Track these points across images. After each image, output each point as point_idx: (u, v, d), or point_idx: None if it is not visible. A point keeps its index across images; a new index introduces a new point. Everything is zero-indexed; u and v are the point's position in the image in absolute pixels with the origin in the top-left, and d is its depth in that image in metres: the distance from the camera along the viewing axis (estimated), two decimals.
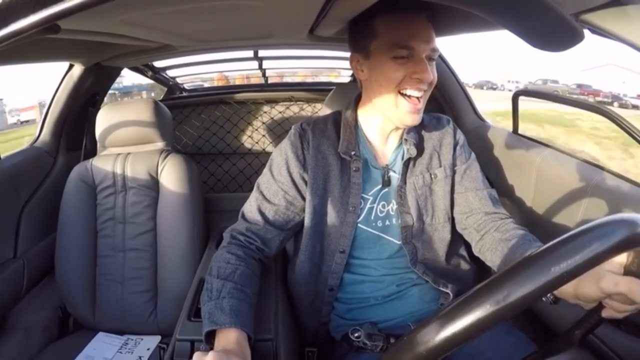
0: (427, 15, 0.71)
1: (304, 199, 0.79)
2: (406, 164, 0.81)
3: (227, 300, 0.65)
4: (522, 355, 0.52)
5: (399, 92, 0.72)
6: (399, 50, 0.69)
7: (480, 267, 0.86)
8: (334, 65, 2.00)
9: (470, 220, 0.82)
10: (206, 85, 2.73)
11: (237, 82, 2.54)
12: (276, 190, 0.79)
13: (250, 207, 0.80)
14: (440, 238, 0.83)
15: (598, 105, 0.90)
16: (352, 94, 0.97)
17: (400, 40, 0.69)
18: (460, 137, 0.87)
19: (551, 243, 0.35)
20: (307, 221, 0.79)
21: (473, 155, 0.87)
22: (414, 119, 0.73)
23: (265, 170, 0.82)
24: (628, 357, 0.66)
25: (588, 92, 17.30)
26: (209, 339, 0.62)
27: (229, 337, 0.60)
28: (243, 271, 0.71)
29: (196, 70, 2.03)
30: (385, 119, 0.78)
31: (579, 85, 18.90)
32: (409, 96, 0.71)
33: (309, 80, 3.20)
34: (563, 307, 0.79)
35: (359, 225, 0.79)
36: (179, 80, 2.01)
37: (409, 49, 0.69)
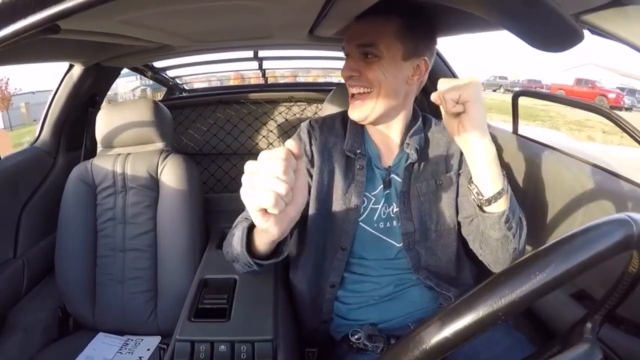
0: (397, 12, 0.71)
1: (310, 193, 0.80)
2: (409, 169, 0.81)
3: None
4: (519, 356, 0.52)
5: (349, 89, 0.77)
6: (343, 50, 0.78)
7: (482, 271, 0.86)
8: (333, 66, 2.00)
9: (473, 225, 0.80)
10: (218, 84, 2.76)
11: (253, 82, 2.53)
12: None
13: None
14: (445, 244, 0.82)
15: (597, 106, 0.90)
16: None
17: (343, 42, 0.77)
18: None
19: (551, 242, 0.35)
20: (311, 217, 0.80)
21: None
22: (352, 112, 0.78)
23: None
24: (628, 357, 0.66)
25: (535, 86, 20.15)
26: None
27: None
28: None
29: (196, 70, 2.03)
30: None
31: (529, 80, 22.07)
32: (351, 93, 0.77)
33: (321, 80, 3.23)
34: (563, 307, 0.80)
35: (360, 224, 0.79)
36: (188, 80, 2.00)
37: (345, 50, 0.77)
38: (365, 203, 0.80)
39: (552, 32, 0.52)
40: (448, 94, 0.62)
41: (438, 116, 0.93)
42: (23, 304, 1.08)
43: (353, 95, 0.76)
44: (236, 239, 0.67)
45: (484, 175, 0.66)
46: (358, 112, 0.76)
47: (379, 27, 0.72)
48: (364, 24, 0.73)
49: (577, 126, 10.98)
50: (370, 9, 0.68)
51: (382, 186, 0.80)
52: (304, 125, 0.84)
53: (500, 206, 0.67)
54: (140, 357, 1.02)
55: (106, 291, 1.11)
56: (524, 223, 0.72)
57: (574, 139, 9.81)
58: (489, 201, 0.67)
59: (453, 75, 1.34)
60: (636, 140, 0.79)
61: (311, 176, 0.80)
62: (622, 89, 16.76)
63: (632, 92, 16.80)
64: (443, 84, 0.64)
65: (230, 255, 0.72)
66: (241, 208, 0.84)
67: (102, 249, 1.13)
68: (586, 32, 0.51)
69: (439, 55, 1.29)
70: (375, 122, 0.79)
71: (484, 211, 0.69)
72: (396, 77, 0.74)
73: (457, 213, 0.84)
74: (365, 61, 0.73)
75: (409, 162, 0.80)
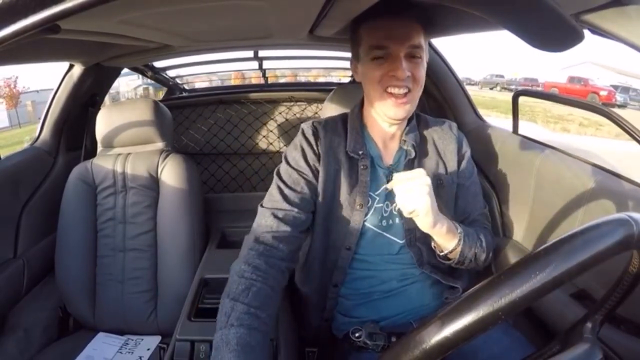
0: (417, 16, 0.73)
1: (316, 194, 0.80)
2: (409, 166, 0.82)
3: (234, 330, 0.58)
4: (518, 355, 0.52)
5: (384, 90, 0.75)
6: (375, 51, 0.74)
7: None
8: (333, 65, 2.00)
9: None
10: (219, 83, 2.76)
11: (253, 81, 2.53)
12: (297, 178, 0.79)
13: (272, 197, 0.77)
14: None
15: (598, 106, 0.90)
16: (352, 94, 0.97)
17: (375, 42, 0.74)
18: (467, 150, 0.88)
19: (551, 242, 0.35)
20: (317, 217, 0.80)
21: (475, 171, 0.89)
22: (397, 112, 0.76)
23: (283, 164, 0.82)
24: (628, 357, 0.66)
25: (532, 84, 20.51)
26: None
27: None
28: (259, 289, 0.64)
29: (196, 70, 2.03)
30: (379, 116, 0.80)
31: (526, 79, 22.27)
32: (391, 93, 0.75)
33: (321, 79, 3.23)
34: (563, 307, 0.80)
35: (365, 223, 0.80)
36: (189, 80, 2.00)
37: (384, 49, 0.73)
38: (370, 203, 0.80)
39: (552, 31, 0.52)
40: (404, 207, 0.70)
41: (436, 115, 0.94)
42: (23, 304, 1.08)
43: (392, 94, 0.75)
44: (214, 343, 0.59)
45: (442, 242, 0.77)
46: (404, 110, 0.76)
47: (418, 29, 0.74)
48: (405, 27, 0.73)
49: (556, 119, 11.97)
50: (391, 11, 0.71)
51: (385, 185, 0.81)
52: (307, 127, 0.84)
53: (454, 255, 0.78)
54: (140, 357, 1.02)
55: (106, 291, 1.11)
56: (484, 246, 0.81)
57: (549, 130, 10.51)
58: (446, 254, 0.78)
59: (451, 72, 1.33)
60: (635, 139, 0.79)
61: (317, 176, 0.80)
62: (615, 87, 17.03)
63: (625, 89, 17.10)
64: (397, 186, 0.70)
65: (220, 307, 0.64)
66: (241, 208, 0.85)
67: (102, 249, 1.13)
68: (586, 32, 0.51)
69: (438, 54, 1.30)
70: (403, 120, 0.81)
71: (444, 258, 0.79)
72: (425, 75, 0.78)
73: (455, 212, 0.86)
74: (413, 62, 0.74)
75: (407, 158, 0.81)
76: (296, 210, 0.75)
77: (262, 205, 0.78)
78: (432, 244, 0.79)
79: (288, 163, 0.81)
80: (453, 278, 0.83)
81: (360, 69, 0.79)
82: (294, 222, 0.74)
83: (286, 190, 0.78)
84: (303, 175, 0.79)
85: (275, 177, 0.82)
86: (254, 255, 0.69)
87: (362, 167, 0.80)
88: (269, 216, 0.74)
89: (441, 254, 0.78)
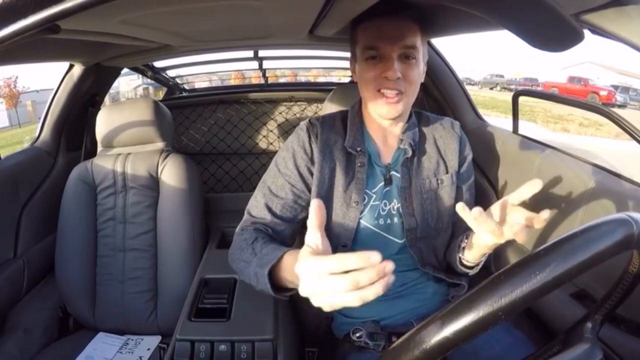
0: (415, 16, 0.73)
1: (310, 191, 0.80)
2: (406, 164, 0.81)
3: (265, 250, 0.66)
4: (519, 354, 0.52)
5: (377, 91, 0.75)
6: (368, 51, 0.75)
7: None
8: (333, 65, 2.00)
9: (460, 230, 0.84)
10: (219, 82, 2.78)
11: (253, 81, 2.53)
12: (283, 183, 0.79)
13: (257, 204, 0.80)
14: (442, 243, 0.84)
15: (598, 106, 0.90)
16: (352, 94, 0.97)
17: (368, 42, 0.74)
18: (470, 154, 0.88)
19: (551, 242, 0.35)
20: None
21: (473, 175, 0.90)
22: (389, 111, 0.76)
23: (271, 166, 0.83)
24: (628, 357, 0.66)
25: (532, 84, 20.66)
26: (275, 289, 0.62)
27: (290, 258, 0.59)
28: (263, 236, 0.73)
29: (196, 70, 2.03)
30: (374, 115, 0.81)
31: (526, 79, 22.36)
32: (384, 94, 0.75)
33: (321, 78, 3.24)
34: (563, 306, 0.80)
35: (361, 221, 0.80)
36: (189, 80, 1.99)
37: (376, 50, 0.74)
38: (366, 200, 0.80)
39: (553, 31, 0.52)
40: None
41: (435, 114, 0.94)
42: (23, 304, 1.08)
43: (386, 95, 0.76)
44: (256, 279, 0.65)
45: (480, 254, 0.74)
46: (395, 109, 0.76)
47: (413, 30, 0.74)
48: (399, 27, 0.73)
49: (556, 119, 12.01)
50: (389, 11, 0.70)
51: (382, 183, 0.81)
52: (303, 124, 0.84)
53: (477, 263, 0.77)
54: (140, 357, 1.02)
55: (106, 291, 1.11)
56: None
57: (549, 130, 10.58)
58: (470, 265, 0.77)
59: (451, 72, 1.33)
60: (635, 139, 0.79)
61: (311, 174, 0.80)
62: (615, 87, 17.06)
63: (625, 89, 17.12)
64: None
65: (242, 275, 0.73)
66: (241, 208, 0.85)
67: (102, 249, 1.13)
68: (586, 32, 0.51)
69: (438, 54, 1.30)
70: (399, 119, 0.81)
71: (466, 268, 0.78)
72: (421, 76, 0.78)
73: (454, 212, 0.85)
74: (407, 63, 0.74)
75: (405, 157, 0.81)
76: (278, 221, 0.78)
77: (248, 212, 0.81)
78: (460, 259, 0.78)
79: (277, 166, 0.81)
80: (457, 275, 0.83)
81: (357, 69, 0.80)
82: (273, 232, 0.78)
83: (270, 198, 0.79)
84: (289, 180, 0.79)
85: (261, 182, 0.82)
86: (246, 231, 0.76)
87: (359, 164, 0.80)
88: (251, 228, 0.77)
89: (468, 266, 0.77)
